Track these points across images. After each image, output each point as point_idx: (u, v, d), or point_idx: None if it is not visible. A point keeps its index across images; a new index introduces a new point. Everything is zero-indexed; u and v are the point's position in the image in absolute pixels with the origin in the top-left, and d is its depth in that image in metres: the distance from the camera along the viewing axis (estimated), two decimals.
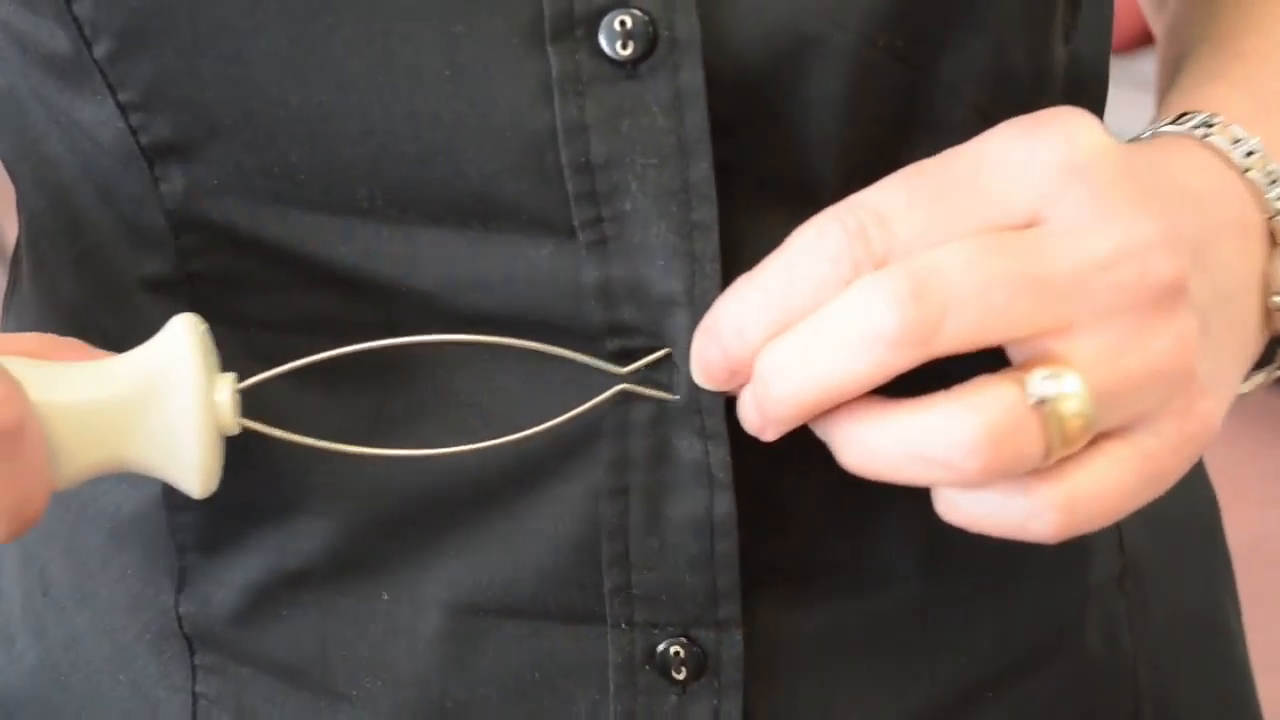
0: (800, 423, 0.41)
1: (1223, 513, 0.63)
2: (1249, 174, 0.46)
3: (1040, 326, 0.39)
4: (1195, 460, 0.42)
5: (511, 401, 0.46)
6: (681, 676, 0.47)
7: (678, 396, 0.44)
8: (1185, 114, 0.48)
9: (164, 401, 0.43)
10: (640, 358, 0.44)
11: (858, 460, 0.41)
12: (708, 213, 0.42)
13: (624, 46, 0.41)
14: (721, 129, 0.43)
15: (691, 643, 0.47)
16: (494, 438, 0.45)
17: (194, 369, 0.43)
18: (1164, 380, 0.40)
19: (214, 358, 0.45)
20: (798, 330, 0.40)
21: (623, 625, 0.47)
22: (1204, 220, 0.43)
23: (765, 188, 0.45)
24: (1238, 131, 0.46)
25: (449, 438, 0.46)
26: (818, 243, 0.40)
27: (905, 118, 0.45)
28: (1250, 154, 0.46)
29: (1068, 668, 0.54)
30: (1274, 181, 0.46)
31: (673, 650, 0.47)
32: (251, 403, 0.44)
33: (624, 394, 0.45)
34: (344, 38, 0.42)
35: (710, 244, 0.43)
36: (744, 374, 0.42)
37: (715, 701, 0.48)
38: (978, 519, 0.41)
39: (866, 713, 0.50)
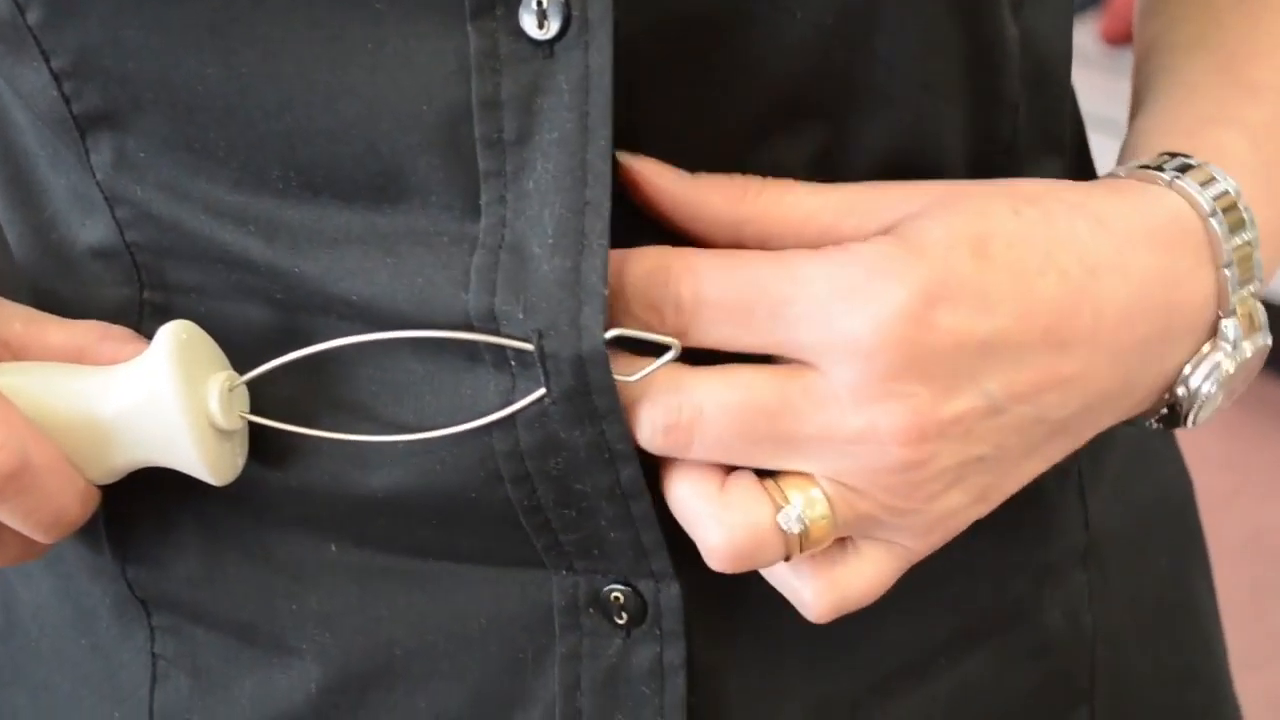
0: None
1: (1227, 505, 0.63)
2: (1210, 220, 0.46)
3: (781, 467, 0.44)
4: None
5: (413, 387, 0.46)
6: (623, 621, 0.48)
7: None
8: (1172, 156, 0.48)
9: (155, 410, 0.45)
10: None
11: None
12: (601, 191, 0.42)
13: (541, 26, 0.41)
14: (641, 108, 0.43)
15: (633, 590, 0.48)
16: (396, 424, 0.46)
17: (171, 380, 0.45)
18: (904, 517, 0.44)
19: (210, 357, 0.46)
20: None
21: (563, 571, 0.48)
22: (1092, 342, 0.44)
23: (693, 169, 0.44)
24: (1214, 171, 0.47)
25: (356, 426, 0.46)
26: (649, 279, 0.43)
27: (845, 96, 0.45)
28: (1221, 195, 0.46)
29: (1024, 641, 0.55)
30: (1238, 228, 0.46)
31: (613, 596, 0.48)
32: None
33: (507, 386, 0.44)
34: (269, 9, 0.42)
35: (600, 222, 0.42)
36: None
37: (658, 649, 0.48)
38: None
39: (813, 669, 0.51)
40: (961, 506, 0.44)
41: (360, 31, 0.42)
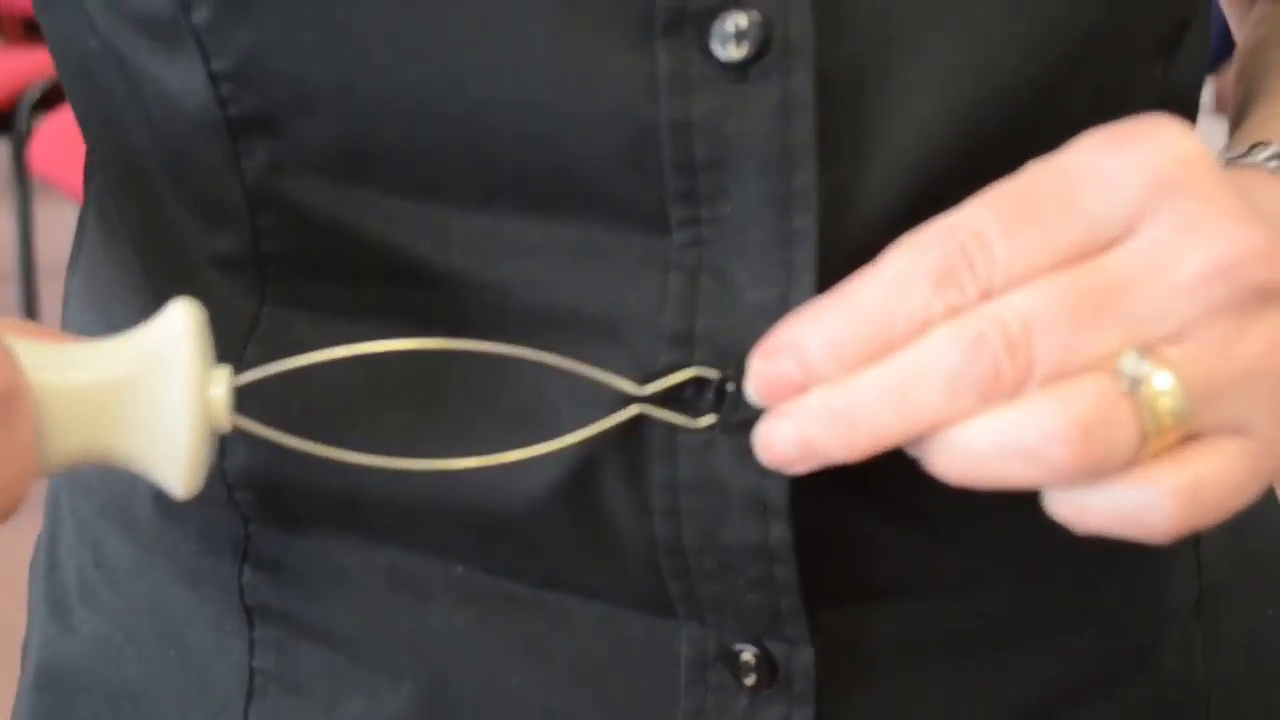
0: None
1: None
2: None
3: (1128, 346, 0.38)
4: None
5: (557, 416, 0.45)
6: (751, 683, 0.47)
7: (702, 421, 0.42)
8: (1258, 144, 0.47)
9: (156, 391, 0.40)
10: (704, 376, 0.43)
11: (947, 464, 0.39)
12: (807, 221, 0.41)
13: (736, 48, 0.41)
14: (833, 136, 0.42)
15: (763, 652, 0.46)
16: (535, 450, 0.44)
17: (190, 360, 0.40)
18: (1255, 381, 0.39)
19: (209, 349, 0.42)
20: (895, 367, 0.38)
21: (694, 623, 0.47)
22: None
23: (878, 198, 0.43)
24: None
25: (493, 445, 0.44)
26: (919, 267, 0.38)
27: (1017, 138, 0.44)
28: None
29: (1144, 691, 0.53)
30: None
31: (743, 657, 0.46)
32: (287, 386, 0.43)
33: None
34: (455, 15, 0.41)
35: (808, 253, 0.41)
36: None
37: (786, 709, 0.47)
38: (1089, 512, 0.39)
39: None
40: None
41: (546, 45, 0.41)
